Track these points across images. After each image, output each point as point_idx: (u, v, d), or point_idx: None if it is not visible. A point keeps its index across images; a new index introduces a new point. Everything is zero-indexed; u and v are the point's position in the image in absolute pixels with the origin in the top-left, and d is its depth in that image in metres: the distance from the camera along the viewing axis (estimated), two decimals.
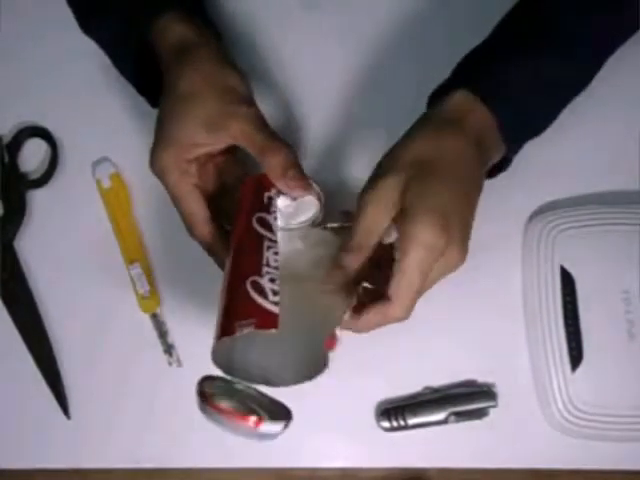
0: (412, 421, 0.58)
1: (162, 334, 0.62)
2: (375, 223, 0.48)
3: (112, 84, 0.64)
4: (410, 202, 0.47)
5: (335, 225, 0.55)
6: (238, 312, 0.46)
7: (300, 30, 0.65)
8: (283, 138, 0.52)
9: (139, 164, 0.63)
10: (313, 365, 0.48)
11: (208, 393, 0.47)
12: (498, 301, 0.60)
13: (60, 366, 0.62)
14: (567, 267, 0.58)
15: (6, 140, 0.65)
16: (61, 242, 0.64)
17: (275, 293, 0.47)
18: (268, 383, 0.49)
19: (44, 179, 0.64)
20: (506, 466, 0.59)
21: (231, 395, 0.48)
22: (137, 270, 0.62)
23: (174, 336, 0.62)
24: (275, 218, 0.51)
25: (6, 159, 0.65)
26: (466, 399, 0.59)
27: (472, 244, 0.60)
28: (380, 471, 0.60)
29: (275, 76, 0.65)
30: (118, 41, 0.57)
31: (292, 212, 0.53)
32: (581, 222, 0.60)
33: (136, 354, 0.61)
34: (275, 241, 0.49)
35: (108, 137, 0.64)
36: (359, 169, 0.62)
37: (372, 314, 0.48)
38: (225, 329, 0.46)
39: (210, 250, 0.54)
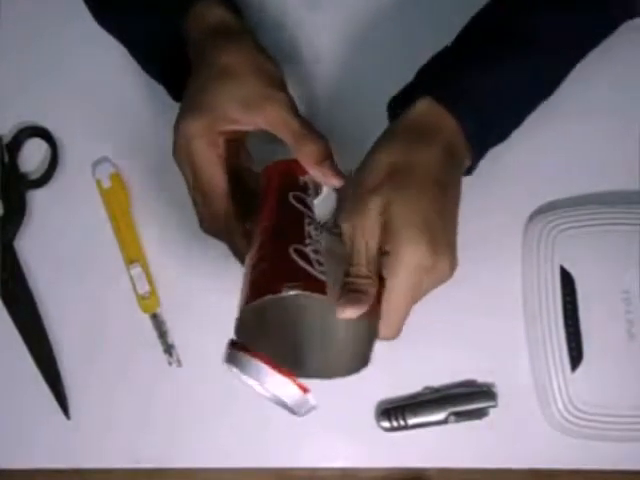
0: (412, 421, 0.58)
1: (162, 334, 0.62)
2: (370, 253, 0.46)
3: (112, 84, 0.64)
4: (394, 223, 0.45)
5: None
6: (283, 273, 0.44)
7: (302, 29, 0.65)
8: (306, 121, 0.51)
9: (139, 164, 0.64)
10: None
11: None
12: (498, 301, 0.60)
13: (60, 366, 0.61)
14: (567, 267, 0.58)
15: (6, 140, 0.65)
16: (61, 242, 0.64)
17: (320, 264, 0.44)
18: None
19: (44, 179, 0.64)
20: (506, 466, 0.59)
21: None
22: (137, 270, 0.62)
23: (174, 336, 0.62)
24: (312, 201, 0.50)
25: (6, 159, 0.64)
26: (466, 399, 0.59)
27: (472, 244, 0.60)
28: (380, 471, 0.60)
29: None
30: (141, 35, 0.57)
31: None
32: (581, 222, 0.60)
33: (136, 354, 0.61)
34: (314, 219, 0.48)
35: (108, 137, 0.64)
36: None
37: None
38: (268, 288, 0.43)
39: (226, 227, 0.52)
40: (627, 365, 0.57)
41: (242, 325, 0.45)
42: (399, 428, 0.59)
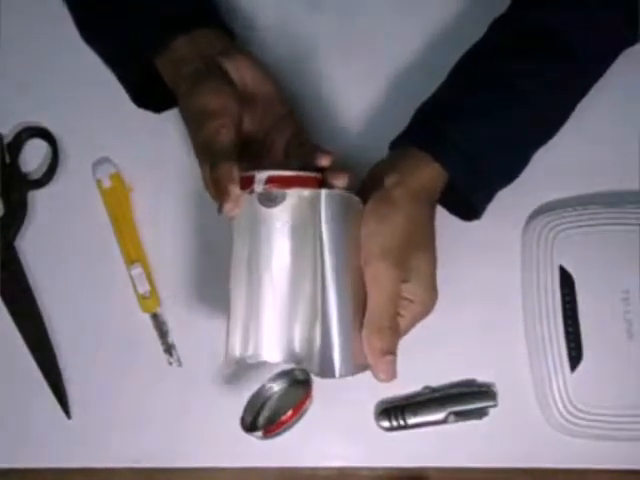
0: (412, 421, 0.58)
1: (162, 334, 0.62)
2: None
3: (113, 84, 0.64)
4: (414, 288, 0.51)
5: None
6: None
7: (303, 32, 0.65)
8: (222, 150, 0.51)
9: (139, 164, 0.64)
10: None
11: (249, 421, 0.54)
12: (497, 301, 0.60)
13: (60, 365, 0.62)
14: (566, 267, 0.58)
15: (7, 140, 0.65)
16: (61, 242, 0.64)
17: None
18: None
19: (45, 179, 0.64)
20: (506, 466, 0.59)
21: (261, 407, 0.55)
22: (137, 270, 0.62)
23: (174, 336, 0.62)
24: None
25: (7, 159, 0.65)
26: (466, 399, 0.59)
27: (472, 244, 0.60)
28: (380, 471, 0.60)
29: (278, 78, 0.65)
30: (117, 67, 0.60)
31: None
32: (581, 222, 0.60)
33: (136, 354, 0.62)
34: None
35: (108, 137, 0.64)
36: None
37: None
38: None
39: None
40: (627, 365, 0.57)
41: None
42: (399, 428, 0.59)
